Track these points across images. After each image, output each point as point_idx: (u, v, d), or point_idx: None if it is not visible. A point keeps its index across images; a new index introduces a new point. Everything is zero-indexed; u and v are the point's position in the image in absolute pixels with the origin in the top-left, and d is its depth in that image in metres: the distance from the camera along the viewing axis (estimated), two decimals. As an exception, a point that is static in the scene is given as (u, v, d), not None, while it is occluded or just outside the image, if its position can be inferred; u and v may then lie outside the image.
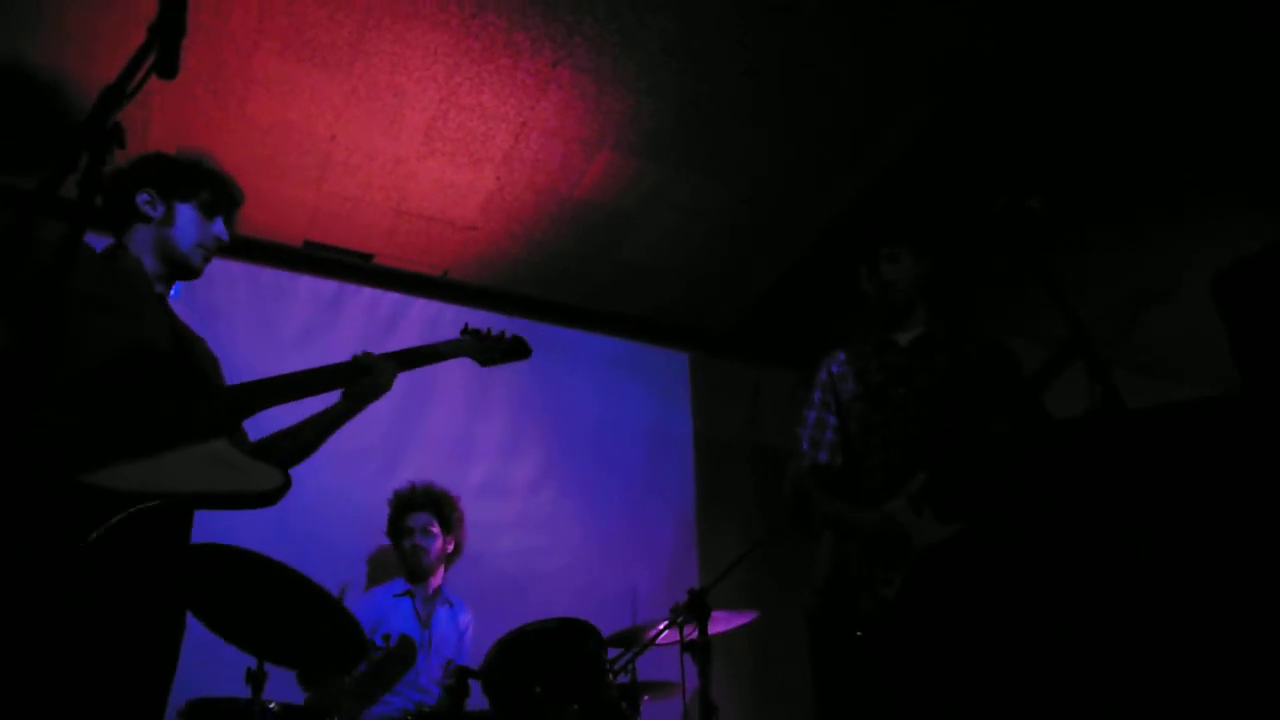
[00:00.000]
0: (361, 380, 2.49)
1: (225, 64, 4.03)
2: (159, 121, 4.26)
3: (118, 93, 1.37)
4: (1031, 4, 3.81)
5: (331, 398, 2.55)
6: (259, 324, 4.90)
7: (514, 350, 2.99)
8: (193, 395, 2.19)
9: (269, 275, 5.10)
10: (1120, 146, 4.50)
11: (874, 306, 3.04)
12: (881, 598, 2.60)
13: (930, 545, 2.59)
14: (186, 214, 2.44)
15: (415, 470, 4.56)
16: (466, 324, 2.95)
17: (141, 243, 2.39)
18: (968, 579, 2.58)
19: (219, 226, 2.49)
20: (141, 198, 2.39)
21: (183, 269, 2.45)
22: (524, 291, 5.66)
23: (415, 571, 4.26)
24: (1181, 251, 5.05)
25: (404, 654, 3.73)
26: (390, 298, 5.40)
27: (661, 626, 3.68)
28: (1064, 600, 2.84)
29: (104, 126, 1.34)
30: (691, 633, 3.63)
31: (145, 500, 1.91)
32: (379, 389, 2.52)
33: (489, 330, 2.96)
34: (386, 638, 3.82)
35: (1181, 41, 3.94)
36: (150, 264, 2.39)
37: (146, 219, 2.39)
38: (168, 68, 1.44)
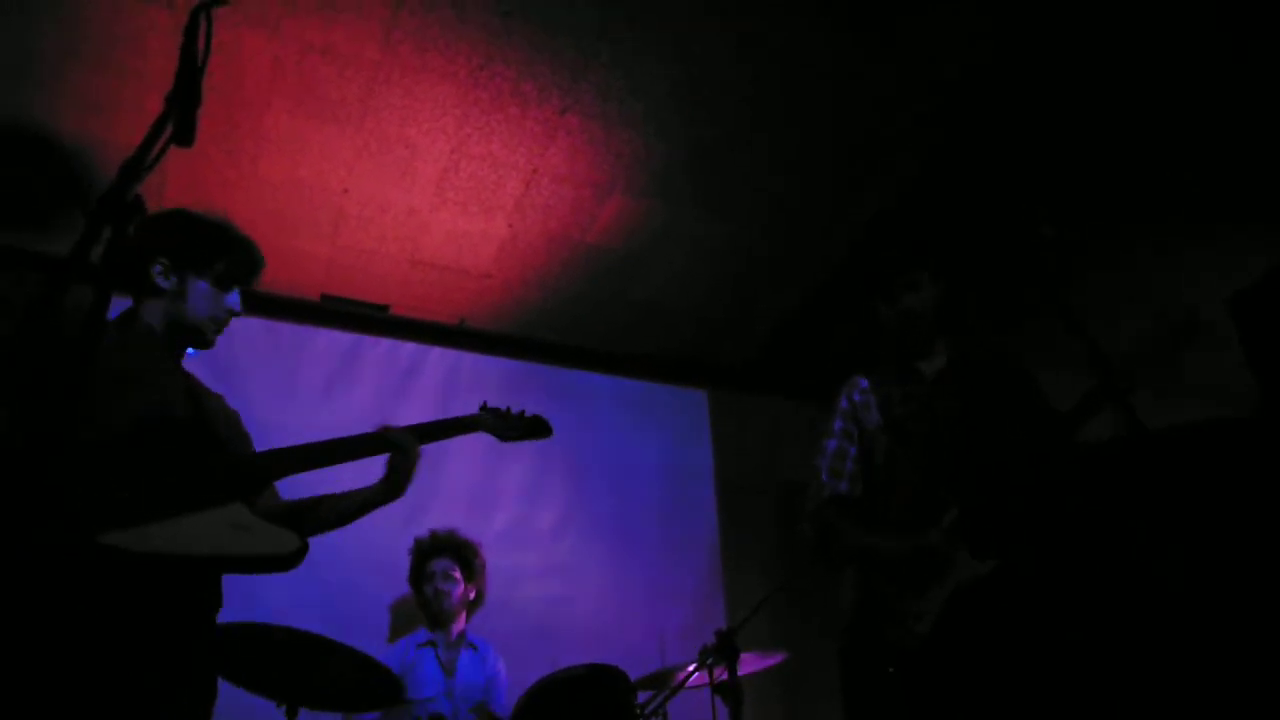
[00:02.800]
0: (398, 457, 2.47)
1: (238, 124, 4.09)
2: (174, 183, 4.33)
3: (137, 165, 1.39)
4: (1035, 28, 3.84)
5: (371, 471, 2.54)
6: (279, 379, 4.93)
7: (533, 429, 2.97)
8: (208, 460, 2.19)
9: (287, 330, 5.13)
10: (1128, 167, 4.50)
11: (895, 336, 2.96)
12: (915, 633, 2.55)
13: (965, 582, 2.55)
14: (199, 288, 2.38)
15: (437, 520, 4.55)
16: (484, 403, 2.92)
17: (152, 312, 2.36)
18: (1005, 618, 2.52)
19: (233, 298, 2.44)
20: (155, 269, 2.34)
21: (194, 341, 2.42)
22: (540, 336, 5.68)
23: (437, 617, 4.25)
24: (1193, 269, 5.04)
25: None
26: (408, 348, 5.42)
27: (691, 669, 3.66)
28: (1102, 641, 2.79)
29: (124, 199, 1.36)
30: (721, 674, 3.61)
31: (160, 561, 1.91)
32: (409, 460, 2.49)
33: (507, 409, 2.94)
34: (423, 707, 3.84)
35: (1184, 66, 3.95)
36: (161, 333, 2.36)
37: (159, 290, 2.35)
38: (185, 136, 1.46)
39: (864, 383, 3.02)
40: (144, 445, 2.06)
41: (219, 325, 2.44)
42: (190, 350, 2.48)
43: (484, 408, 2.89)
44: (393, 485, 2.49)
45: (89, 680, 1.89)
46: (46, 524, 1.83)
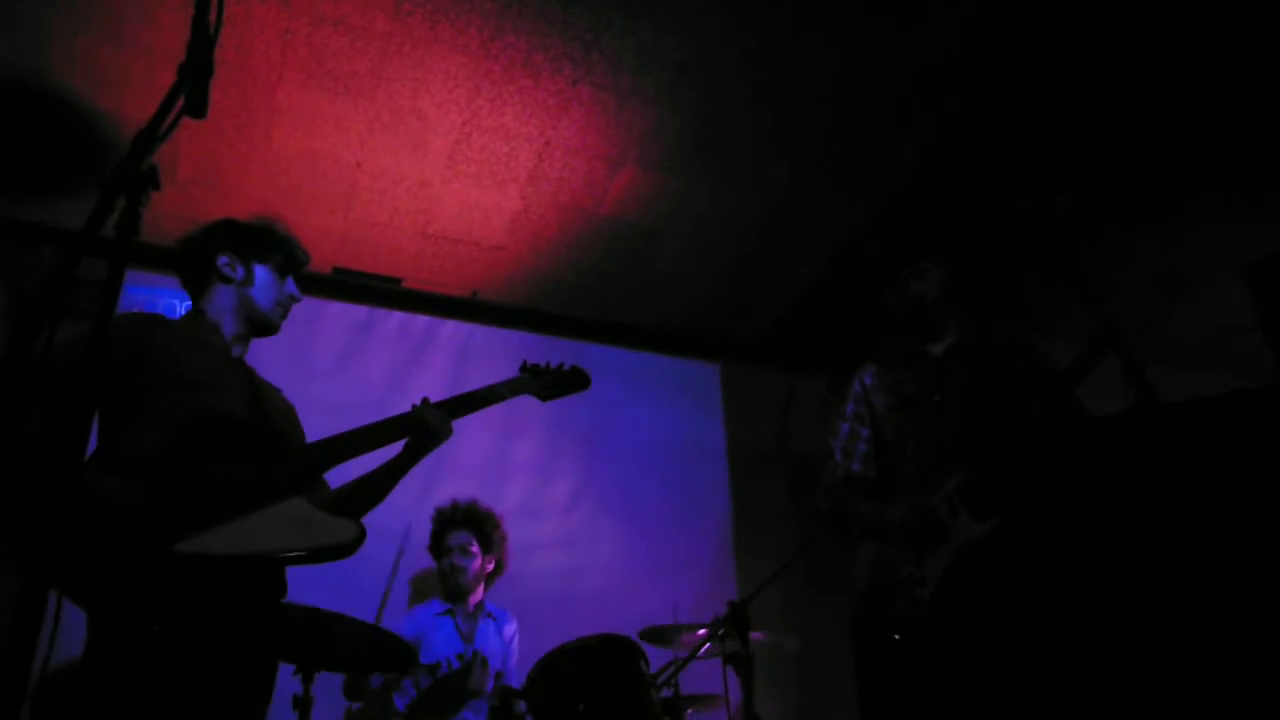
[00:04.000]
0: (422, 436, 2.57)
1: (249, 98, 4.08)
2: (187, 156, 4.33)
3: (150, 136, 1.39)
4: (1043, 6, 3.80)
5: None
6: (292, 352, 4.92)
7: (573, 382, 3.03)
8: (270, 457, 2.27)
9: (300, 303, 5.13)
10: (1135, 145, 4.46)
11: (905, 323, 3.03)
12: (918, 599, 2.58)
13: (967, 544, 2.57)
14: (264, 274, 2.58)
15: (451, 492, 4.57)
16: (525, 361, 2.99)
17: (222, 304, 2.51)
18: (1006, 579, 2.56)
19: (291, 285, 2.64)
20: (221, 260, 2.51)
21: (264, 327, 2.59)
22: (553, 309, 5.69)
23: (454, 590, 4.27)
24: (1205, 246, 5.01)
25: (478, 677, 3.79)
26: (421, 320, 5.42)
27: (702, 635, 3.68)
28: (1105, 601, 2.81)
29: (139, 170, 1.37)
30: (733, 644, 3.62)
31: (230, 564, 1.98)
32: (438, 441, 2.61)
33: (546, 364, 3.01)
34: (460, 657, 3.87)
35: (1188, 39, 3.90)
36: (230, 325, 2.50)
37: (227, 280, 2.52)
38: (197, 107, 1.47)
39: (874, 367, 3.12)
40: (206, 446, 2.15)
41: (284, 310, 2.64)
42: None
43: (525, 366, 2.97)
44: (413, 457, 2.62)
45: (175, 675, 1.97)
46: (124, 532, 1.91)
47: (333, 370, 5.02)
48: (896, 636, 2.59)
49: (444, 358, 5.32)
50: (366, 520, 4.41)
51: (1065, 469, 2.75)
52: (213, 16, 1.53)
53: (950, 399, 2.84)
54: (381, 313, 5.35)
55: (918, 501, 2.68)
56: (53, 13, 3.66)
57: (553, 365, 3.01)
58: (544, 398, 2.98)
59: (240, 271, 2.54)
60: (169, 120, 1.43)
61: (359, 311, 5.30)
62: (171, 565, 1.91)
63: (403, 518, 4.67)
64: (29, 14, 3.67)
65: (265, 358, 4.61)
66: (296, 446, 2.50)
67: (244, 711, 2.21)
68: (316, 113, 4.20)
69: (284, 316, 2.64)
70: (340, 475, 2.59)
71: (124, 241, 1.32)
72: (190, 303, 2.57)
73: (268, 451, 2.29)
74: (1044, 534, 2.63)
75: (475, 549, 4.31)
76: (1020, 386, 2.76)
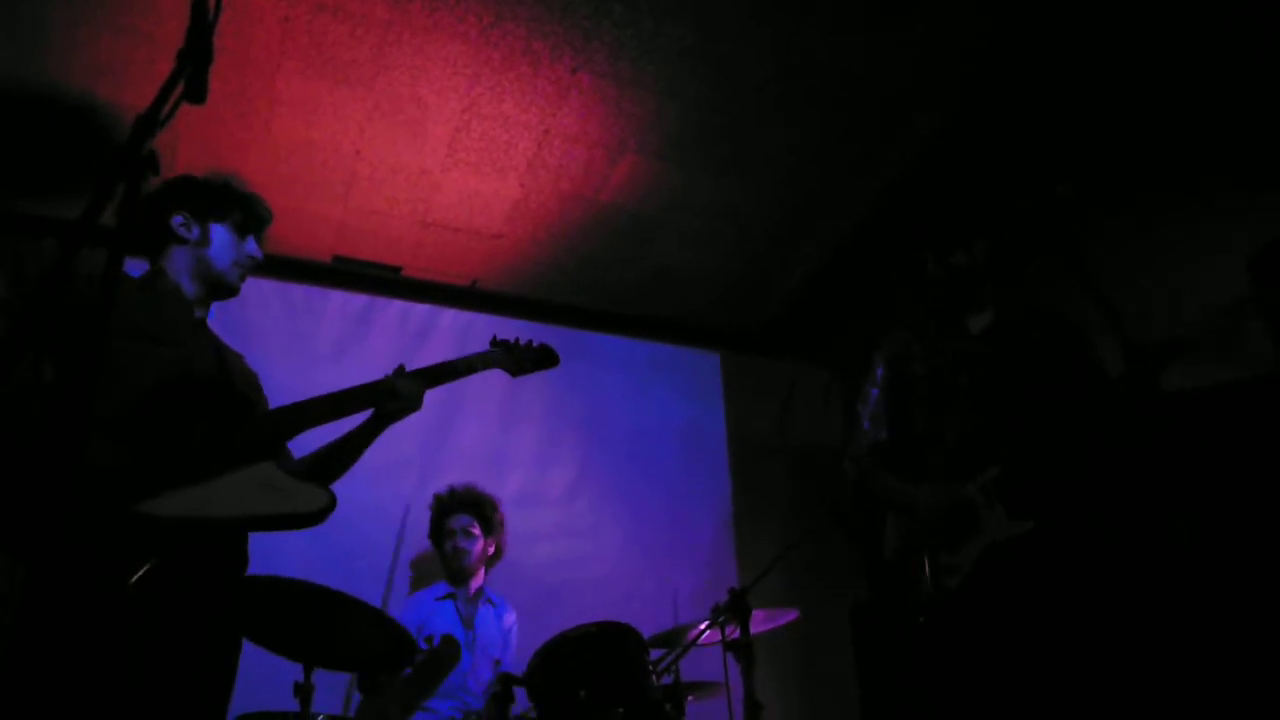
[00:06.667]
0: (391, 404, 2.54)
1: (249, 86, 4.07)
2: (186, 145, 4.32)
3: (150, 121, 1.39)
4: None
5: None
6: (291, 340, 4.94)
7: (542, 359, 3.03)
8: (237, 420, 2.23)
9: (299, 291, 5.14)
10: (1146, 131, 4.44)
11: (940, 291, 2.93)
12: (943, 587, 2.56)
13: (999, 541, 2.54)
14: (221, 234, 2.49)
15: (451, 481, 4.57)
16: (495, 336, 2.99)
17: (179, 265, 2.44)
18: (1035, 582, 2.50)
19: (251, 245, 2.55)
20: (176, 220, 2.44)
21: (221, 288, 2.50)
22: (553, 298, 5.68)
23: (457, 573, 4.29)
24: (1213, 234, 4.98)
25: (447, 654, 3.75)
26: (420, 309, 5.42)
27: (703, 627, 3.68)
28: (1132, 614, 2.77)
29: (139, 154, 1.36)
30: (733, 632, 3.63)
31: (196, 526, 1.95)
32: (407, 410, 2.57)
33: (517, 340, 3.00)
34: (430, 639, 3.86)
35: (1201, 27, 3.89)
36: (188, 286, 2.44)
37: (182, 240, 2.44)
38: (197, 93, 1.46)
39: (909, 334, 3.02)
40: (172, 406, 2.11)
41: (243, 270, 2.54)
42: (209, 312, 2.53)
43: (495, 341, 2.96)
44: (380, 424, 2.59)
45: (121, 643, 1.93)
46: (85, 496, 1.86)
47: (333, 358, 5.01)
48: (920, 619, 2.57)
49: (444, 346, 5.30)
50: (367, 509, 4.45)
51: (1111, 470, 2.70)
52: (212, 2, 1.52)
53: (992, 381, 2.77)
54: (381, 301, 5.35)
55: (954, 495, 2.63)
56: (54, 2, 3.64)
57: (522, 342, 3.01)
58: (514, 372, 2.97)
59: (195, 231, 2.46)
60: (169, 106, 1.42)
61: (358, 300, 5.29)
62: (138, 527, 1.89)
63: (403, 505, 4.68)
64: (30, 4, 3.65)
65: (265, 345, 4.64)
66: (265, 410, 2.47)
67: (205, 688, 2.16)
68: (316, 101, 4.18)
69: (243, 277, 2.54)
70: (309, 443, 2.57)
71: (124, 227, 1.32)
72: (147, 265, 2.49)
73: (235, 414, 2.25)
74: (1088, 536, 2.57)
75: (477, 531, 4.32)
76: (1067, 377, 2.69)
